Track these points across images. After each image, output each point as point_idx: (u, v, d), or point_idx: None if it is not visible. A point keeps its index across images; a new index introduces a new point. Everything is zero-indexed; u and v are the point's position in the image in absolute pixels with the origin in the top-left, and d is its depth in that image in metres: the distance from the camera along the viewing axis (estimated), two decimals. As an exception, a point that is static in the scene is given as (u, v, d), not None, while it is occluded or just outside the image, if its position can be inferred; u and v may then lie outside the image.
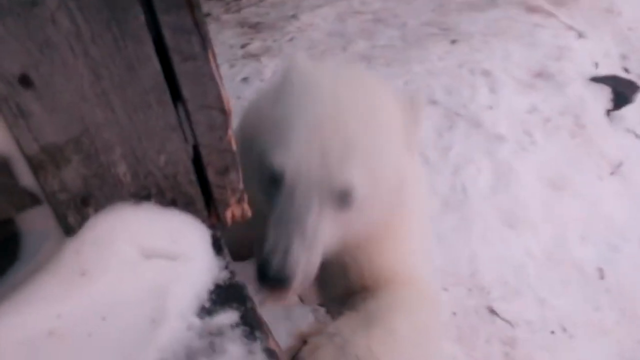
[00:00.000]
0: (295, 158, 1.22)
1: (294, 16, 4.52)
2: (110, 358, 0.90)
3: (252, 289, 1.11)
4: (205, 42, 0.95)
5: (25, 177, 0.98)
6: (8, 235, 1.03)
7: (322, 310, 1.48)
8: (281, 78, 1.42)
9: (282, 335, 1.36)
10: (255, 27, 4.50)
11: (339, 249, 1.33)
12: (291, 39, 4.28)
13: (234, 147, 1.08)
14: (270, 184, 1.27)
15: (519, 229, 2.76)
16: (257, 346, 0.94)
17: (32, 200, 1.00)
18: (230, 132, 1.06)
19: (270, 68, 3.96)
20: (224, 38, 4.37)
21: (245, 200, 1.15)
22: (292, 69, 1.39)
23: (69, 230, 1.04)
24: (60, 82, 0.92)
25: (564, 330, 2.34)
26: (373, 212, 1.33)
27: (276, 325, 1.42)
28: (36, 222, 1.05)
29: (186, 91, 1.00)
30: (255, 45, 4.25)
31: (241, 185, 1.13)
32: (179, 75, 0.98)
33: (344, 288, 1.48)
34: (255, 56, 4.12)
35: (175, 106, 1.02)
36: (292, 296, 1.32)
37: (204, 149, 1.07)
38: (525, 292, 2.50)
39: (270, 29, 4.45)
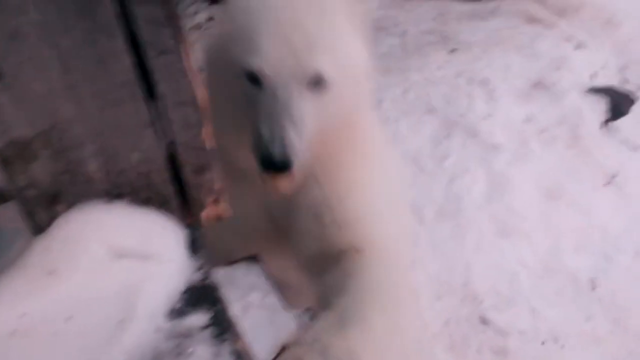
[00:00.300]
0: (269, 57, 1.36)
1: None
2: (75, 358, 0.88)
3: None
4: (178, 35, 0.94)
5: (-7, 173, 0.97)
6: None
7: (306, 316, 1.46)
8: None
9: (267, 341, 1.35)
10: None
11: (315, 152, 1.47)
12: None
13: (209, 145, 1.07)
14: (251, 87, 1.40)
15: (514, 239, 2.75)
16: (225, 348, 0.93)
17: (1, 197, 0.98)
18: (205, 131, 1.05)
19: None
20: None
21: (221, 201, 1.14)
22: None
23: (38, 228, 1.02)
24: (29, 73, 0.90)
25: (556, 340, 2.33)
26: (344, 97, 1.48)
27: (260, 331, 1.42)
28: (7, 219, 1.03)
29: (162, 87, 0.98)
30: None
31: (217, 185, 1.12)
32: (154, 71, 0.96)
33: (316, 244, 1.58)
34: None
35: (149, 102, 1.00)
36: (295, 182, 1.44)
37: (180, 147, 1.05)
38: (518, 301, 2.49)
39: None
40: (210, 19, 4.68)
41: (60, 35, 0.90)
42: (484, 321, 2.42)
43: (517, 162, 3.12)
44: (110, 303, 0.96)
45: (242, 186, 1.57)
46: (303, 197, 1.56)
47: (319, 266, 1.56)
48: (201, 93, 1.01)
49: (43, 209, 1.02)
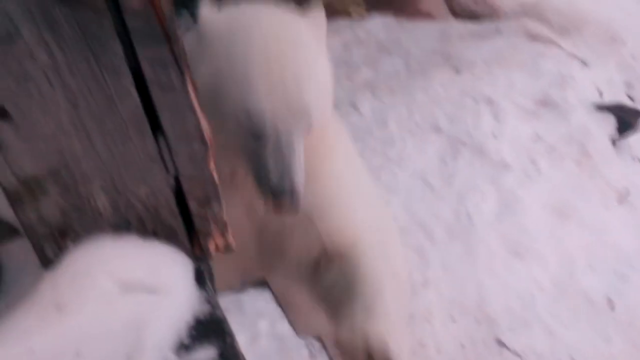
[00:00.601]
0: (269, 107, 1.45)
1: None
2: (84, 394, 0.87)
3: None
4: (184, 75, 0.94)
5: (4, 209, 0.97)
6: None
7: (316, 344, 1.44)
8: (206, 33, 1.54)
9: None
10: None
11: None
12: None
13: (216, 178, 1.07)
14: (251, 131, 1.47)
15: (526, 258, 2.72)
16: None
17: (11, 232, 0.98)
18: (212, 164, 1.04)
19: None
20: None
21: (228, 231, 1.13)
22: (210, 22, 1.53)
23: (47, 262, 1.02)
24: (38, 113, 0.91)
25: (574, 362, 2.28)
26: (321, 117, 1.61)
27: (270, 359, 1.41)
28: (16, 254, 1.03)
29: (166, 122, 0.99)
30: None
31: (224, 216, 1.11)
32: (158, 107, 0.97)
33: (307, 244, 1.75)
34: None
35: (156, 137, 1.00)
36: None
37: (185, 180, 1.05)
38: (534, 323, 2.45)
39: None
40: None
41: (68, 75, 0.90)
42: (500, 343, 2.38)
43: (526, 180, 3.11)
44: (118, 337, 0.95)
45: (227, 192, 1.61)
46: None
47: (312, 267, 1.74)
48: (207, 127, 1.01)
49: (52, 244, 1.02)
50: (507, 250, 2.76)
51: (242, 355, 0.97)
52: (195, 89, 0.97)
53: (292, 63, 1.49)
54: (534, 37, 4.27)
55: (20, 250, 1.03)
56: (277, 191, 1.45)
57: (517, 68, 3.99)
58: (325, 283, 1.70)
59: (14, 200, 0.94)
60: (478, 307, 2.52)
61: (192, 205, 1.08)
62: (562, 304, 2.50)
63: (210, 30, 1.51)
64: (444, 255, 2.74)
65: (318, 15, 1.67)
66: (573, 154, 3.22)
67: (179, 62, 0.94)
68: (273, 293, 1.64)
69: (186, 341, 0.96)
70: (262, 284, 1.68)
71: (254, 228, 1.77)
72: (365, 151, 3.39)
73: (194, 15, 1.59)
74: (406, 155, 3.36)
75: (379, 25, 4.67)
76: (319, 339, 1.48)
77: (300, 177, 1.48)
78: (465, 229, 2.87)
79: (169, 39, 0.92)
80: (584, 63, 3.90)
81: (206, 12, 1.53)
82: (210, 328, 0.99)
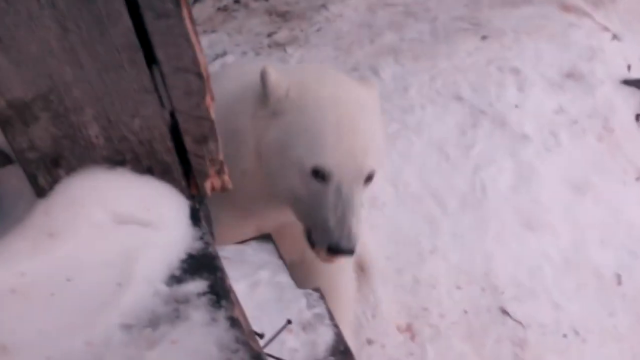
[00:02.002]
0: (336, 157, 1.55)
1: (323, 6, 4.47)
2: (72, 318, 0.89)
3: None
4: (179, 0, 0.92)
5: (-3, 137, 0.97)
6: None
7: (314, 294, 1.45)
8: (265, 90, 1.65)
9: (274, 317, 1.36)
10: (284, 16, 4.46)
11: None
12: (319, 30, 4.24)
13: (212, 115, 1.05)
14: (315, 182, 1.57)
15: (537, 231, 2.71)
16: (221, 314, 0.92)
17: (3, 158, 0.98)
18: (209, 99, 1.02)
19: (295, 58, 3.94)
20: (250, 25, 4.35)
21: (225, 172, 1.12)
22: (278, 83, 1.63)
23: (40, 191, 1.02)
24: (26, 34, 0.89)
25: (577, 334, 2.30)
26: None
27: (267, 307, 1.43)
28: (11, 181, 1.03)
29: (160, 52, 0.96)
30: (281, 35, 4.23)
31: (221, 156, 1.10)
32: (152, 35, 0.94)
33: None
34: (281, 45, 4.10)
35: (151, 69, 0.98)
36: None
37: (180, 115, 1.03)
38: (540, 294, 2.46)
39: (298, 18, 4.41)
40: (237, 1, 4.67)
41: None
42: (504, 312, 2.38)
43: (545, 153, 3.07)
44: (109, 266, 0.96)
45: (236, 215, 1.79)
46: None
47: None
48: (203, 60, 0.99)
49: (45, 172, 1.01)
50: (519, 222, 2.75)
51: (233, 291, 0.98)
52: (192, 18, 0.94)
53: (361, 129, 1.60)
54: (566, 8, 4.14)
55: (13, 178, 1.03)
56: (334, 244, 1.53)
57: (546, 38, 3.89)
58: None
59: (4, 124, 0.94)
60: (485, 276, 2.53)
61: (188, 143, 1.06)
62: (569, 277, 2.49)
63: (279, 90, 1.62)
64: (454, 225, 2.74)
65: (373, 84, 1.84)
66: (595, 129, 3.16)
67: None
68: (276, 246, 1.65)
69: (177, 273, 0.98)
70: (266, 237, 1.68)
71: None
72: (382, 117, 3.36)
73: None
74: (425, 124, 3.32)
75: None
76: (318, 290, 1.48)
77: (356, 229, 1.54)
78: (478, 199, 2.86)
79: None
80: (615, 36, 3.78)
81: (273, 73, 1.62)
82: (202, 263, 1.00)
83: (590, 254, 2.56)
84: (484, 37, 4.01)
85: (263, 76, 1.62)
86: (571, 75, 3.55)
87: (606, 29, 3.86)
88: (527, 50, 3.81)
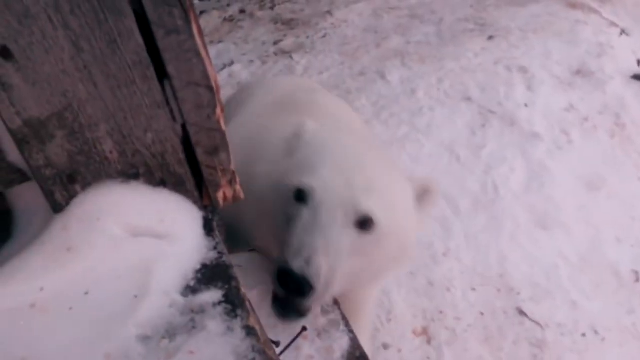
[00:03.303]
0: (322, 179, 1.35)
1: (328, 12, 4.50)
2: (90, 331, 0.91)
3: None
4: (188, 15, 0.93)
5: (13, 153, 0.98)
6: (1, 211, 1.03)
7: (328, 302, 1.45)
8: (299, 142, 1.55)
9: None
10: (289, 24, 4.49)
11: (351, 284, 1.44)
12: (324, 36, 4.26)
13: (223, 126, 1.05)
14: (294, 204, 1.36)
15: (552, 230, 2.68)
16: (237, 323, 0.93)
17: (21, 176, 0.99)
18: (219, 111, 1.03)
19: (302, 65, 3.95)
20: (257, 35, 4.38)
21: (237, 182, 1.12)
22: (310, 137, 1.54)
23: (57, 206, 1.03)
24: (41, 54, 0.91)
25: (596, 333, 2.27)
26: (388, 248, 1.44)
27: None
28: (27, 198, 1.04)
29: (171, 67, 0.97)
30: (287, 42, 4.25)
31: (232, 166, 1.10)
32: (163, 51, 0.95)
33: None
34: (287, 53, 4.12)
35: (162, 83, 0.99)
36: (311, 309, 1.35)
37: (192, 127, 1.05)
38: (556, 293, 2.43)
39: (303, 25, 4.44)
40: (243, 11, 4.71)
41: (69, 15, 0.90)
42: (521, 313, 2.36)
43: (556, 151, 3.05)
44: (126, 279, 0.97)
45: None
46: None
47: None
48: (213, 73, 1.00)
49: (61, 188, 1.03)
50: (533, 222, 2.73)
51: (248, 299, 0.98)
52: (201, 33, 0.95)
53: (370, 173, 1.41)
54: (572, 5, 4.14)
55: (30, 194, 1.05)
56: (282, 268, 1.23)
57: (554, 36, 3.88)
58: None
59: (20, 143, 0.96)
60: (500, 277, 2.51)
61: (200, 155, 1.07)
62: (586, 275, 2.47)
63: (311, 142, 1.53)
64: (467, 226, 2.72)
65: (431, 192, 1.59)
66: (607, 125, 3.13)
67: (182, 2, 0.92)
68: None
69: (192, 283, 0.99)
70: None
71: None
72: (391, 120, 3.36)
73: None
74: (434, 125, 3.32)
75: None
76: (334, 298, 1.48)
77: (322, 266, 1.24)
78: (491, 200, 2.84)
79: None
80: (624, 31, 3.76)
81: (310, 127, 1.56)
82: (216, 272, 1.02)
83: (606, 252, 2.53)
84: (490, 37, 4.01)
85: (299, 131, 1.55)
86: (580, 72, 3.53)
87: (614, 24, 3.84)
88: (535, 49, 3.80)
